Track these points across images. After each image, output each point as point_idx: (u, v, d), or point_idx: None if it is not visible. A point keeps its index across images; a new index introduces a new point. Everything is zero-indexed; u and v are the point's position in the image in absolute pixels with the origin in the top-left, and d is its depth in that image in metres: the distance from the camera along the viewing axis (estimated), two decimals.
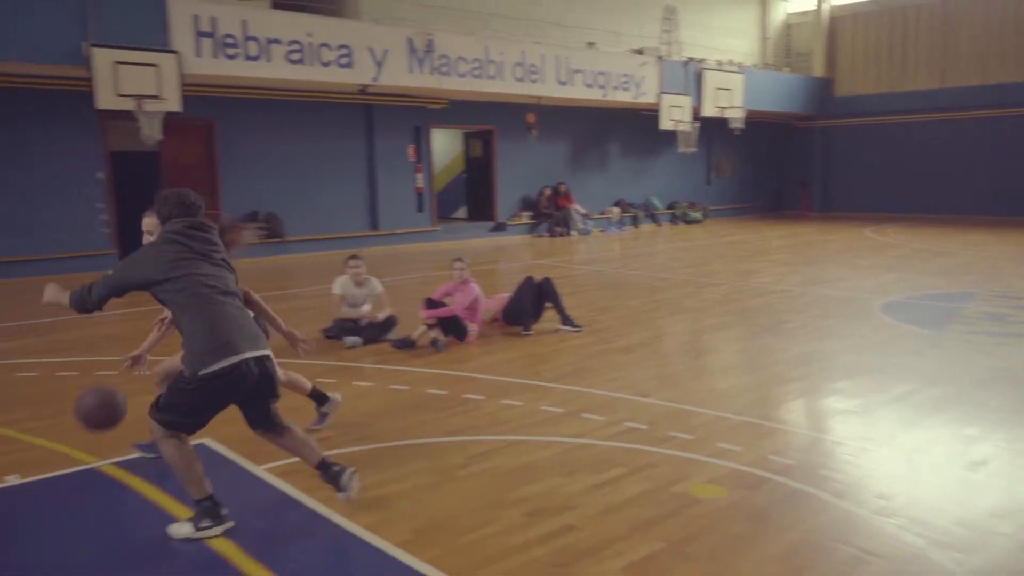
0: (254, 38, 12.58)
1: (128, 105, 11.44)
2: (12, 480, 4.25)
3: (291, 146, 15.03)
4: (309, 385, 4.95)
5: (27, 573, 3.32)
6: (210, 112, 13.83)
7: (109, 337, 8.39)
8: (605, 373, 6.37)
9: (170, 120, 12.06)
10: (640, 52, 18.94)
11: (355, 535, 3.56)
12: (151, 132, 11.77)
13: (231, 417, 5.26)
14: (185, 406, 3.56)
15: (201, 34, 12.07)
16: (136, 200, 13.87)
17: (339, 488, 3.79)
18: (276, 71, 12.87)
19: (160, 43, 11.70)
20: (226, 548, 3.46)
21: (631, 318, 8.65)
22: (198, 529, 3.55)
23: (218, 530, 3.57)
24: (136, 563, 3.42)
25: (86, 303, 3.65)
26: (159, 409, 3.58)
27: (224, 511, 3.61)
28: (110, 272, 3.68)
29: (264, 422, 3.81)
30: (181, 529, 3.58)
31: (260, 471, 4.33)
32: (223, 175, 14.38)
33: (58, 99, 12.29)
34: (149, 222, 4.16)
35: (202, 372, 3.48)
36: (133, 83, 11.36)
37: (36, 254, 12.36)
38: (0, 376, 6.53)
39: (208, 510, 3.57)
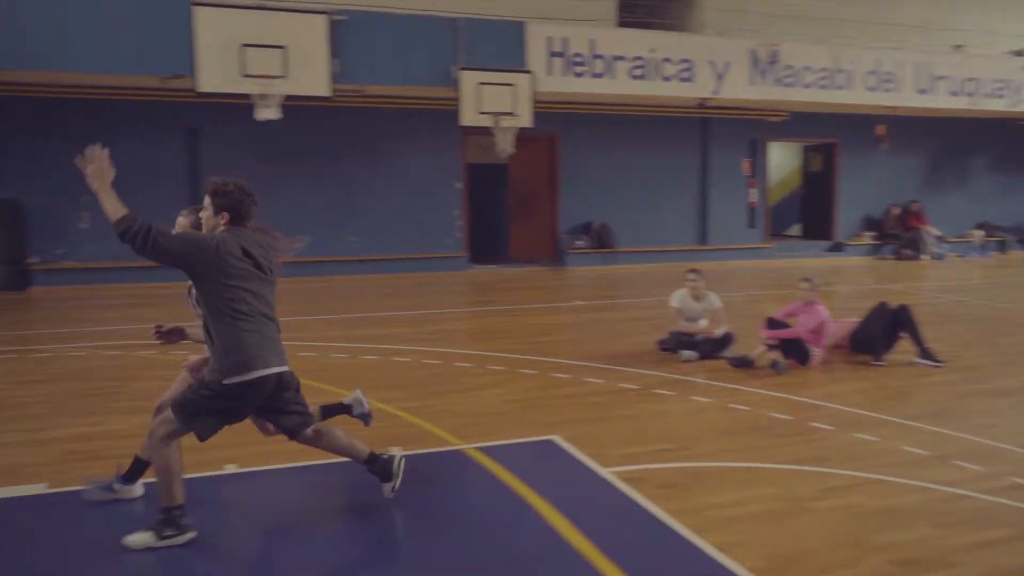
0: (600, 56, 13.12)
1: (487, 122, 12.53)
2: (396, 451, 4.83)
3: (626, 159, 15.43)
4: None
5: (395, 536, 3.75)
6: (553, 126, 14.65)
7: (470, 333, 9.25)
8: (977, 417, 5.62)
9: (519, 134, 12.99)
10: (1021, 54, 16.57)
11: (707, 553, 3.50)
12: (505, 146, 12.79)
13: (580, 417, 5.53)
14: (198, 409, 3.54)
15: (553, 54, 12.86)
16: (486, 209, 15.29)
17: (386, 478, 4.01)
18: (619, 87, 13.32)
19: (517, 64, 12.67)
20: (585, 548, 3.56)
21: (1005, 357, 7.56)
22: (162, 537, 3.54)
23: (183, 538, 3.56)
24: (497, 546, 3.66)
25: (135, 240, 3.34)
26: (179, 407, 3.56)
27: (187, 520, 3.58)
28: (172, 232, 3.56)
29: (297, 431, 3.83)
30: (142, 538, 3.54)
31: (606, 473, 4.45)
32: (562, 186, 15.20)
33: (429, 117, 13.83)
34: (183, 222, 4.12)
35: (226, 381, 3.50)
36: (492, 101, 12.42)
37: (398, 253, 14.00)
38: (378, 358, 7.49)
39: (176, 519, 3.55)
